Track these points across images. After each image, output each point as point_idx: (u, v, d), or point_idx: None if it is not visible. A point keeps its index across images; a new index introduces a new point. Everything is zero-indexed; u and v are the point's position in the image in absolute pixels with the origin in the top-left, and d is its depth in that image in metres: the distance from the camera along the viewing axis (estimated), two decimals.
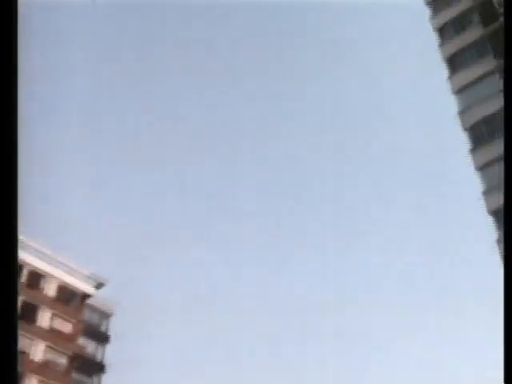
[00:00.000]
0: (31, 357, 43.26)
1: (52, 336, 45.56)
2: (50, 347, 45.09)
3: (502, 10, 35.84)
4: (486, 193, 32.99)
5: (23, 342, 40.44)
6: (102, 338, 53.13)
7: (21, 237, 39.24)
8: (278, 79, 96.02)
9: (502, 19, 35.65)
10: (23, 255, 42.98)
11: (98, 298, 53.41)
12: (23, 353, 40.76)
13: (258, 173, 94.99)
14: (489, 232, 32.52)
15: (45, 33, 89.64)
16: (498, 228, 32.04)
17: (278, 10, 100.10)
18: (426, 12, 40.93)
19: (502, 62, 35.17)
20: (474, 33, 37.50)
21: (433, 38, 39.82)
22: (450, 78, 37.45)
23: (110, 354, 52.26)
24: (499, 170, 33.27)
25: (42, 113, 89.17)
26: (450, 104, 36.95)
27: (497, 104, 34.58)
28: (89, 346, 50.58)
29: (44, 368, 43.64)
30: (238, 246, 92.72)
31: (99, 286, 54.28)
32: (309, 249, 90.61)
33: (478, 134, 34.86)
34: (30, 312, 44.58)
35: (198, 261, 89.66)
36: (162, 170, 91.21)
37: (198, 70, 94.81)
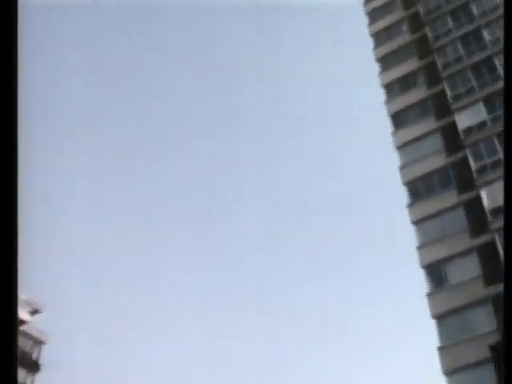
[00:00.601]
0: None
1: None
2: None
3: (444, 74, 37.92)
4: (420, 248, 34.30)
5: None
6: (32, 367, 51.83)
7: None
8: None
9: (445, 83, 37.70)
10: None
11: (33, 323, 52.29)
12: None
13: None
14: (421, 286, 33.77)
15: (45, 33, 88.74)
16: (430, 283, 33.33)
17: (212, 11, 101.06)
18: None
19: (443, 122, 37.13)
20: (418, 93, 39.39)
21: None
22: (393, 133, 39.08)
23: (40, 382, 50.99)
24: (434, 226, 34.86)
25: (42, 113, 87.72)
26: None
27: (436, 162, 36.31)
28: (19, 375, 49.27)
29: None
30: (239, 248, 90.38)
31: (35, 312, 53.24)
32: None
33: (415, 190, 36.37)
34: None
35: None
36: (163, 170, 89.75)
37: (198, 70, 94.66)
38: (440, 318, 31.87)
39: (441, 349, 31.11)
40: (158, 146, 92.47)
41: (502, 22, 37.56)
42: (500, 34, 37.20)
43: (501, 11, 37.96)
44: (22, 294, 50.66)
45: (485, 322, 30.65)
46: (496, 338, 29.73)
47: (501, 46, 36.62)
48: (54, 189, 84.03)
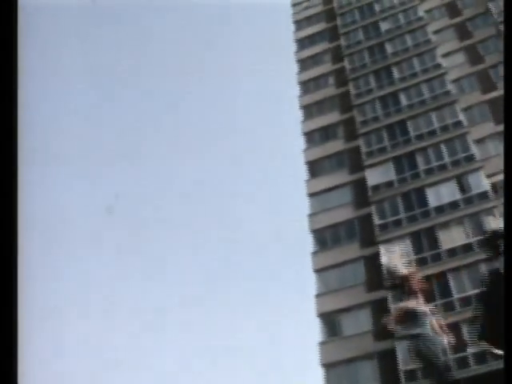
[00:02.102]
0: None
1: None
2: None
3: (361, 131, 39.42)
4: (318, 296, 35.05)
5: None
6: None
7: None
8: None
9: (361, 139, 39.16)
10: None
11: None
12: None
13: None
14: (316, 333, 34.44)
15: (45, 33, 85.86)
16: (324, 331, 34.04)
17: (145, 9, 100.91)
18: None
19: (354, 177, 38.41)
20: (336, 145, 40.69)
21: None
22: (307, 181, 40.07)
23: None
24: (334, 276, 35.77)
25: (42, 113, 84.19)
26: None
27: (343, 214, 37.41)
28: None
29: None
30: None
31: None
32: None
33: (322, 239, 37.29)
34: None
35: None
36: (164, 169, 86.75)
37: (199, 70, 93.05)
38: (329, 367, 32.54)
39: None
40: (159, 146, 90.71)
41: (419, 88, 39.67)
42: (416, 99, 39.19)
43: (419, 78, 40.12)
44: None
45: (370, 376, 31.55)
46: None
47: (415, 110, 38.59)
48: (53, 189, 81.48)
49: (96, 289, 76.46)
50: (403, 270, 6.75)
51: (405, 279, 6.66)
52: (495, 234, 5.76)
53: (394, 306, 6.74)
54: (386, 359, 31.16)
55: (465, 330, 29.91)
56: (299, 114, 43.83)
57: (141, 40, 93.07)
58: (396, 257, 7.00)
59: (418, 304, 6.52)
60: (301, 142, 42.53)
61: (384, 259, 7.04)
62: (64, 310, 71.51)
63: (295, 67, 46.95)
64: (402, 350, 30.66)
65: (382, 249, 34.25)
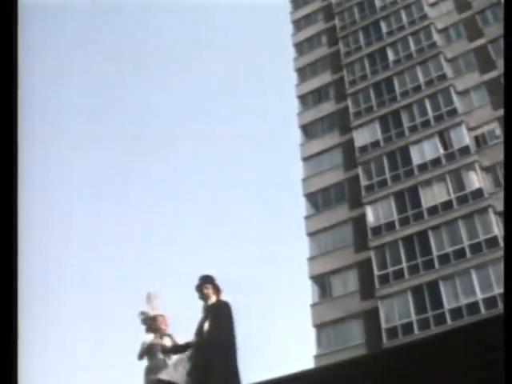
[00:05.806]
0: None
1: None
2: None
3: (350, 91, 39.24)
4: (311, 259, 36.03)
5: None
6: None
7: None
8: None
9: (349, 99, 39.05)
10: None
11: None
12: None
13: None
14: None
15: (45, 33, 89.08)
16: (316, 293, 35.17)
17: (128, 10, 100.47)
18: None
19: (344, 138, 38.51)
20: (328, 107, 40.72)
21: None
22: (301, 145, 40.51)
23: None
24: (325, 239, 36.57)
25: (42, 113, 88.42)
26: None
27: (334, 177, 37.81)
28: None
29: None
30: None
31: None
32: None
33: (314, 202, 37.98)
34: None
35: None
36: (165, 167, 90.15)
37: (200, 70, 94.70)
38: (320, 327, 33.78)
39: (317, 357, 33.05)
40: (159, 145, 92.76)
41: (406, 42, 38.90)
42: (402, 54, 38.50)
43: (406, 31, 39.25)
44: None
45: (357, 334, 32.57)
46: (364, 351, 31.73)
47: (401, 66, 37.98)
48: (52, 189, 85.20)
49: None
50: (152, 312, 8.02)
51: (153, 320, 7.92)
52: (203, 279, 6.61)
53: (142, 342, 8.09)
54: (371, 317, 32.03)
55: (442, 287, 30.41)
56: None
57: (141, 40, 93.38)
58: (154, 301, 8.20)
59: (159, 340, 7.75)
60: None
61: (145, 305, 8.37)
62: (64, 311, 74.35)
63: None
64: (384, 309, 31.57)
65: (368, 209, 34.78)
